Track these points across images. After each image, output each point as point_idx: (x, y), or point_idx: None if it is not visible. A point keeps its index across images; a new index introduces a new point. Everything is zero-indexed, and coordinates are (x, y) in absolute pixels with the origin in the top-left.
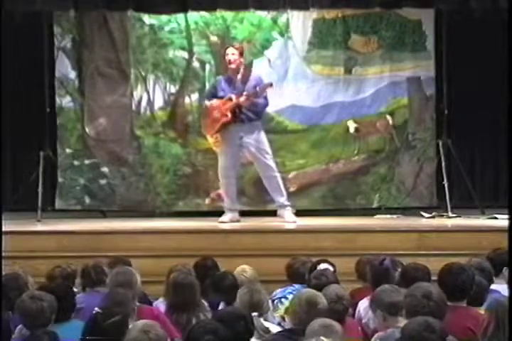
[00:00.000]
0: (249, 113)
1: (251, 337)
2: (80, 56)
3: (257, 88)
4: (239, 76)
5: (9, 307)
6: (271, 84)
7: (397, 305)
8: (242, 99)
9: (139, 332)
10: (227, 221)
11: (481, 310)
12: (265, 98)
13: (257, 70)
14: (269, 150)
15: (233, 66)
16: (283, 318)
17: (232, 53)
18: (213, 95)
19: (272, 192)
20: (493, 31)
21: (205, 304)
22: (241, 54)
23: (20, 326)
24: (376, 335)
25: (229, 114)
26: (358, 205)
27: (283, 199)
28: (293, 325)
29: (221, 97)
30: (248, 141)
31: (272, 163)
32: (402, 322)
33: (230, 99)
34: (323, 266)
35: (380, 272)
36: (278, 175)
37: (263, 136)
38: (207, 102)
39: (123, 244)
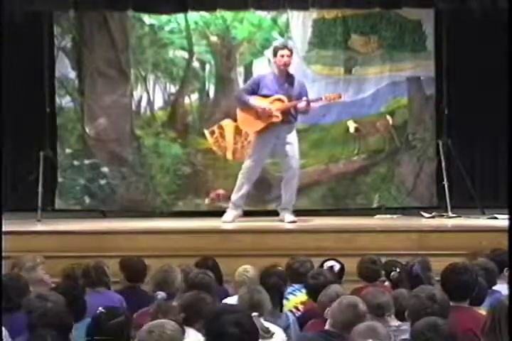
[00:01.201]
0: (296, 115)
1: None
2: (80, 56)
3: (323, 97)
4: (284, 77)
5: (9, 307)
6: (340, 96)
7: (383, 305)
8: (301, 104)
9: (145, 332)
10: (231, 220)
11: (482, 310)
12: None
13: (257, 70)
14: (298, 152)
15: (282, 67)
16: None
17: (287, 55)
18: (253, 91)
19: (285, 193)
20: (493, 31)
21: None
22: (290, 55)
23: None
24: None
25: (279, 115)
26: (358, 205)
27: (290, 204)
28: (332, 327)
29: (264, 95)
30: (288, 141)
31: (298, 165)
32: (392, 322)
33: (279, 100)
34: (330, 263)
35: (414, 279)
36: (297, 178)
37: (297, 138)
38: (246, 97)
39: (123, 244)
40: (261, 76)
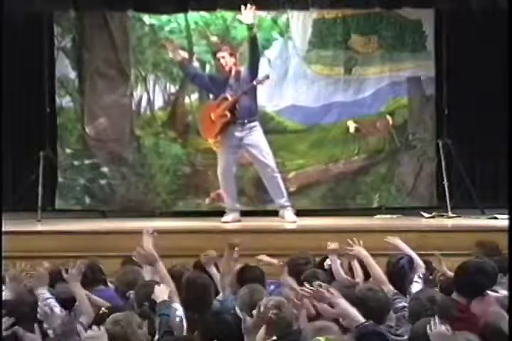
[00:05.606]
0: (246, 113)
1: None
2: (80, 56)
3: (254, 82)
4: (232, 75)
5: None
6: (267, 77)
7: None
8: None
9: (111, 324)
10: (230, 221)
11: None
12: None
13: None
14: (269, 150)
15: (227, 68)
16: None
17: (222, 57)
18: (203, 80)
19: (273, 193)
20: (493, 31)
21: None
22: (231, 55)
23: None
24: None
25: (228, 114)
26: (358, 205)
27: (283, 200)
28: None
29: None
30: (248, 143)
31: (272, 163)
32: None
33: (225, 99)
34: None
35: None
36: (278, 175)
37: (262, 137)
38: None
39: (123, 244)
40: (216, 75)
